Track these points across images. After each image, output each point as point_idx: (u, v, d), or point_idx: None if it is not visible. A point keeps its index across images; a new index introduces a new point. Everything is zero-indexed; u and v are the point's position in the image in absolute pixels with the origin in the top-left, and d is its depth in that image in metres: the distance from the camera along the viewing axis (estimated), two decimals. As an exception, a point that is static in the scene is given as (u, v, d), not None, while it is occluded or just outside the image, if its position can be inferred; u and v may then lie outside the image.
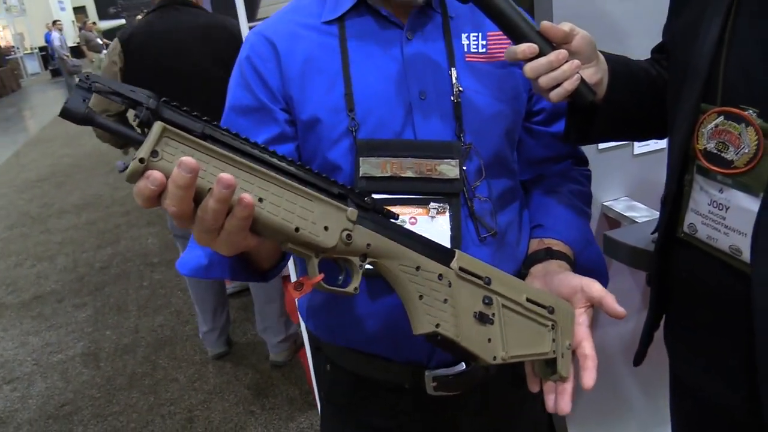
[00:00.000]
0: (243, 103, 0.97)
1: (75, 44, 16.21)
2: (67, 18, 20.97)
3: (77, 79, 0.60)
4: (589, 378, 0.82)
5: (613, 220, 1.79)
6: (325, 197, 0.69)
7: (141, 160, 0.57)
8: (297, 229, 0.66)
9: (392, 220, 0.77)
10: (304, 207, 0.67)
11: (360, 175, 0.90)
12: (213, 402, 2.82)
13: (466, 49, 0.97)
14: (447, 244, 0.90)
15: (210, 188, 0.60)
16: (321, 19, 0.96)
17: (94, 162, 7.69)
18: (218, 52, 2.51)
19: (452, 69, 0.95)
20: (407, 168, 0.91)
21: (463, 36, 0.97)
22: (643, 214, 1.77)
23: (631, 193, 1.81)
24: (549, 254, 0.96)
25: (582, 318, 0.87)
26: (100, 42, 13.80)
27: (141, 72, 2.51)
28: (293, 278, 1.88)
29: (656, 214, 1.87)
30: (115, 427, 2.73)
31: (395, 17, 0.95)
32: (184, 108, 0.61)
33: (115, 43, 2.55)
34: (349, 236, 0.71)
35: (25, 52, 21.14)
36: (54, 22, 15.55)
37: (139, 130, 0.62)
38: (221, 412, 2.74)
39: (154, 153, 0.57)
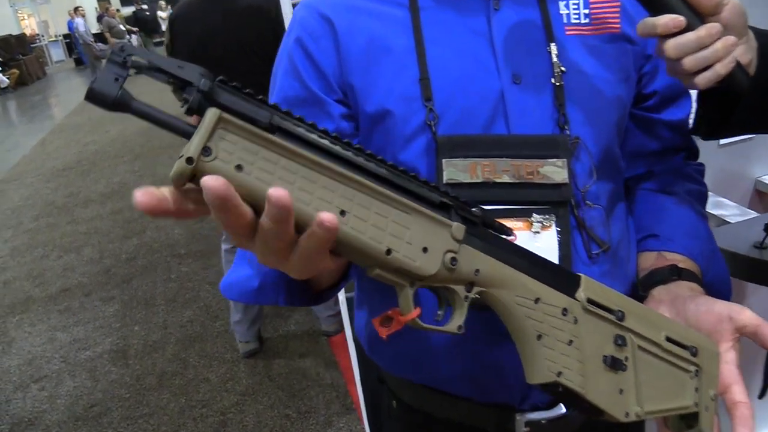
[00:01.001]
0: (289, 94, 0.79)
1: (98, 31, 16.15)
2: (91, 5, 20.93)
3: (109, 53, 0.44)
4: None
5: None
6: (425, 208, 0.53)
7: (189, 160, 0.42)
8: (389, 252, 0.50)
9: (505, 237, 0.60)
10: (397, 222, 0.51)
11: (444, 181, 0.73)
12: (246, 404, 2.68)
13: (565, 20, 0.79)
14: None
15: None
16: None
17: (118, 149, 7.61)
18: (247, 41, 2.38)
19: (551, 44, 0.76)
20: (503, 171, 0.73)
21: (561, 4, 0.79)
22: (733, 212, 1.57)
23: (717, 189, 1.61)
24: (675, 273, 0.78)
25: (730, 355, 0.69)
26: (123, 28, 13.70)
27: (180, 55, 2.45)
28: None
29: (748, 212, 1.67)
30: (145, 430, 2.62)
31: None
32: (247, 90, 0.45)
33: (168, 23, 2.58)
34: (454, 260, 0.54)
35: (50, 39, 21.17)
36: (76, 9, 15.52)
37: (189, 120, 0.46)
38: (255, 416, 2.61)
39: (206, 150, 0.42)
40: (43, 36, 20.74)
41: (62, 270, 4.37)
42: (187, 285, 3.85)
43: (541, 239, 0.74)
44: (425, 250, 0.52)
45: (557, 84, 0.75)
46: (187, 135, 0.43)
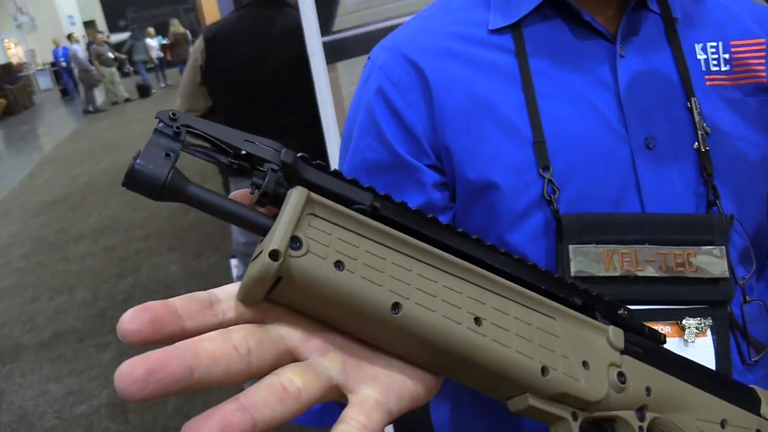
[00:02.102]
0: (368, 156, 0.64)
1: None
2: (78, 32, 20.84)
3: (157, 122, 0.32)
4: None
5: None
6: (570, 311, 0.39)
7: (274, 255, 0.29)
8: (544, 370, 0.36)
9: (662, 345, 0.46)
10: (544, 329, 0.37)
11: (572, 273, 0.57)
12: (256, 462, 2.49)
13: (703, 67, 0.64)
14: None
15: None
16: (488, 26, 0.63)
17: (110, 180, 7.41)
18: (292, 62, 2.13)
19: (692, 99, 0.61)
20: (646, 262, 0.57)
21: (697, 47, 0.64)
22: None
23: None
24: None
25: None
26: (112, 56, 13.57)
27: (219, 76, 2.21)
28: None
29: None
30: (148, 495, 2.41)
31: (599, 23, 0.62)
32: (335, 169, 0.34)
33: (199, 41, 2.27)
34: (621, 375, 0.40)
35: (38, 68, 21.01)
36: (69, 36, 15.47)
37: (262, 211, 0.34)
38: (267, 476, 2.41)
39: (294, 241, 0.30)
40: (30, 65, 20.58)
41: (54, 313, 4.15)
42: (187, 328, 3.66)
43: (694, 349, 0.58)
44: (585, 365, 0.38)
45: (703, 149, 0.60)
46: (265, 230, 0.32)
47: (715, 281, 0.58)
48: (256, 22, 2.23)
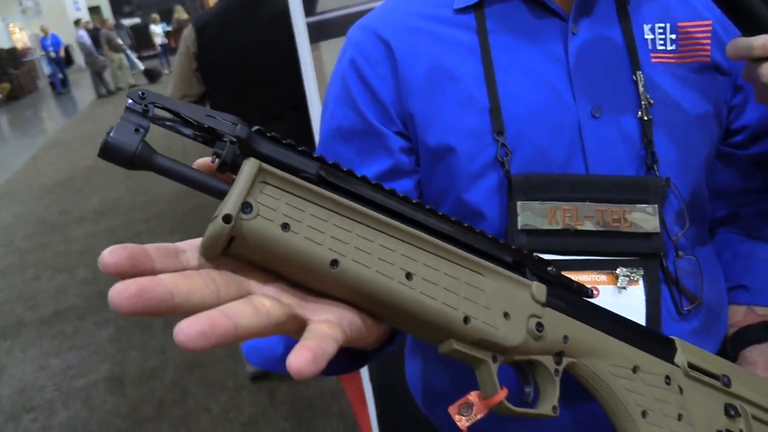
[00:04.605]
0: (343, 124, 0.70)
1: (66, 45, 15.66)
2: (84, 17, 20.84)
3: (128, 100, 0.36)
4: None
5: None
6: (497, 267, 0.45)
7: (227, 218, 0.35)
8: (467, 319, 0.42)
9: (586, 299, 0.51)
10: (470, 284, 0.43)
11: (518, 226, 0.64)
12: (249, 436, 2.56)
13: (650, 46, 0.70)
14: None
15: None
16: (453, 5, 0.70)
17: (112, 165, 7.39)
18: (284, 49, 2.15)
19: (637, 73, 0.67)
20: (585, 217, 0.64)
21: (646, 28, 0.70)
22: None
23: None
24: None
25: None
26: (121, 42, 13.56)
27: (212, 64, 2.26)
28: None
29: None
30: (143, 464, 2.49)
31: (554, 3, 0.68)
32: (287, 140, 0.40)
33: (189, 30, 2.32)
34: (539, 325, 0.46)
35: (42, 53, 21.05)
36: (77, 21, 15.38)
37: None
38: (259, 448, 2.49)
39: (246, 206, 0.35)
40: (34, 49, 20.60)
41: (55, 292, 4.23)
42: (185, 307, 3.73)
43: (626, 296, 0.64)
44: (506, 315, 0.44)
45: (645, 118, 0.66)
46: (222, 194, 0.37)
47: (647, 236, 0.64)
48: (245, 9, 2.27)
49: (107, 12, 22.22)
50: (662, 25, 0.70)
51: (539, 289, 0.46)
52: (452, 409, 0.46)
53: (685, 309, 0.67)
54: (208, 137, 0.38)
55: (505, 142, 0.65)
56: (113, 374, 3.14)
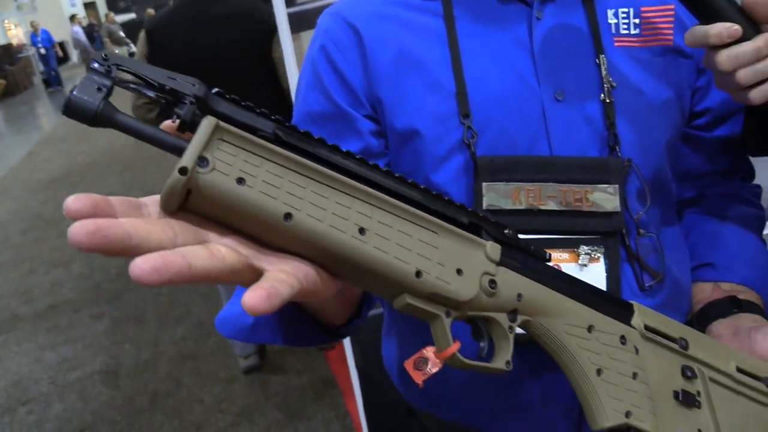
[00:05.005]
0: (314, 108, 0.72)
1: (60, 41, 15.44)
2: (80, 13, 20.78)
3: (92, 62, 0.39)
4: None
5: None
6: (452, 227, 0.46)
7: (182, 171, 0.36)
8: (419, 273, 0.43)
9: (545, 262, 0.53)
10: (424, 242, 0.44)
11: (483, 206, 0.66)
12: (242, 425, 2.59)
13: (614, 30, 0.72)
14: None
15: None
16: None
17: (108, 159, 7.47)
18: (236, 51, 2.25)
19: (600, 56, 0.69)
20: (548, 197, 0.66)
21: (609, 12, 0.72)
22: None
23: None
24: (735, 305, 0.71)
25: None
26: (123, 35, 13.48)
27: (166, 67, 2.28)
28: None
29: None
30: (137, 454, 2.52)
31: None
32: (247, 102, 0.41)
33: (142, 33, 2.35)
34: (492, 282, 0.47)
35: (40, 46, 20.98)
36: (72, 17, 15.30)
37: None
38: (252, 438, 2.51)
39: (202, 160, 0.37)
40: (30, 46, 20.54)
41: (50, 286, 4.25)
42: (178, 300, 3.74)
43: (587, 273, 0.67)
44: (459, 272, 0.46)
45: (607, 100, 0.68)
46: (180, 150, 0.38)
47: (608, 215, 0.66)
48: (195, 10, 2.30)
49: (103, 8, 22.16)
50: (626, 9, 0.72)
51: (493, 249, 0.48)
52: (408, 364, 0.48)
53: (647, 285, 0.70)
54: (170, 98, 0.39)
55: (471, 125, 0.67)
56: (108, 367, 3.16)
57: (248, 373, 2.90)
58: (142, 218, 0.36)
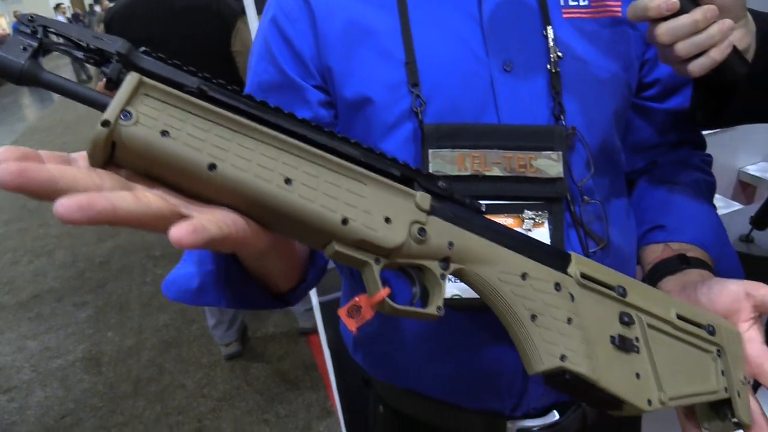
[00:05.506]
0: (264, 78, 0.73)
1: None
2: (64, 2, 20.53)
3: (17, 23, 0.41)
4: None
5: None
6: (381, 178, 0.48)
7: (105, 123, 0.38)
8: (345, 221, 0.45)
9: (480, 214, 0.54)
10: (352, 191, 0.46)
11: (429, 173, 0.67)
12: (223, 410, 2.61)
13: (562, 2, 0.73)
14: None
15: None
16: None
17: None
18: (194, 42, 2.26)
19: (547, 28, 0.71)
20: (493, 164, 0.67)
21: None
22: (718, 205, 1.53)
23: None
24: (683, 262, 0.72)
25: (752, 333, 0.63)
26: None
27: None
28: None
29: (732, 204, 1.64)
30: (119, 440, 2.53)
31: None
32: (172, 61, 0.42)
33: (101, 26, 2.41)
34: (422, 230, 0.48)
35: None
36: (57, 6, 15.14)
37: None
38: (232, 422, 2.53)
39: (125, 114, 0.38)
40: (14, 36, 20.29)
41: (33, 275, 4.23)
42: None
43: (532, 236, 0.68)
44: (388, 220, 0.47)
45: (553, 71, 0.70)
46: (105, 107, 0.39)
47: (552, 181, 0.67)
48: (151, 2, 2.30)
49: (88, -3, 21.92)
50: None
51: (423, 198, 0.49)
52: (342, 312, 0.48)
53: (591, 250, 0.71)
54: (98, 58, 0.40)
55: (419, 93, 0.68)
56: (90, 354, 3.17)
57: (230, 359, 2.91)
58: (68, 165, 0.37)
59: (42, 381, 3.01)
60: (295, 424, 2.46)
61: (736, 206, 1.62)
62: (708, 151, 0.89)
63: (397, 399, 0.84)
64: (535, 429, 0.76)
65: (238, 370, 2.85)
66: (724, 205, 1.63)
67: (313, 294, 1.71)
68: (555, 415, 0.77)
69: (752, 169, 1.75)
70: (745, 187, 1.80)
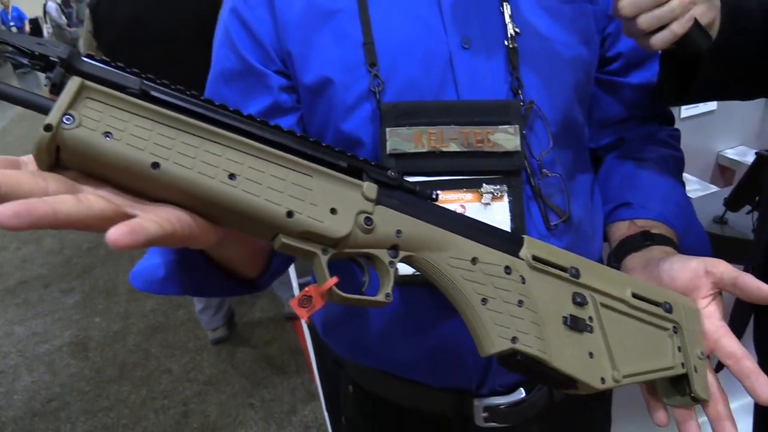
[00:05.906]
0: (226, 66, 0.74)
1: (35, 17, 15.05)
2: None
3: None
4: (762, 385, 0.57)
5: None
6: (327, 170, 0.49)
7: (47, 128, 0.38)
8: (290, 214, 0.46)
9: (429, 201, 0.55)
10: (297, 184, 0.47)
11: (387, 151, 0.67)
12: (209, 394, 2.62)
13: None
14: None
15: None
16: None
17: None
18: (187, 24, 2.25)
19: (504, 4, 0.71)
20: (450, 139, 0.68)
21: None
22: (695, 187, 1.55)
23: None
24: (647, 239, 0.73)
25: (710, 309, 0.64)
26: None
27: (112, 42, 2.30)
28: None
29: (710, 187, 1.65)
30: (105, 423, 2.54)
31: None
32: (115, 63, 0.43)
33: (88, 10, 2.35)
34: (368, 220, 0.49)
35: (11, 25, 20.53)
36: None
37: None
38: (218, 405, 2.54)
39: (68, 118, 0.39)
40: (3, 22, 20.09)
41: (21, 262, 4.23)
42: (150, 274, 3.75)
43: (492, 211, 0.69)
44: (333, 211, 0.48)
45: (510, 46, 0.70)
46: (48, 111, 0.40)
47: (510, 155, 0.68)
48: None
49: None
50: None
51: (369, 188, 0.50)
52: (293, 303, 0.49)
53: (552, 223, 0.72)
54: (43, 64, 0.41)
55: (377, 73, 0.68)
56: (77, 339, 3.17)
57: (217, 344, 2.92)
58: (14, 170, 0.37)
59: (29, 366, 3.01)
60: (280, 408, 2.48)
61: (713, 189, 1.63)
62: (687, 134, 0.90)
63: (366, 379, 0.85)
64: (502, 406, 0.77)
65: (224, 355, 2.86)
66: (701, 187, 1.65)
67: (293, 275, 1.72)
68: (522, 393, 0.77)
69: (730, 153, 1.77)
70: (724, 171, 1.81)
